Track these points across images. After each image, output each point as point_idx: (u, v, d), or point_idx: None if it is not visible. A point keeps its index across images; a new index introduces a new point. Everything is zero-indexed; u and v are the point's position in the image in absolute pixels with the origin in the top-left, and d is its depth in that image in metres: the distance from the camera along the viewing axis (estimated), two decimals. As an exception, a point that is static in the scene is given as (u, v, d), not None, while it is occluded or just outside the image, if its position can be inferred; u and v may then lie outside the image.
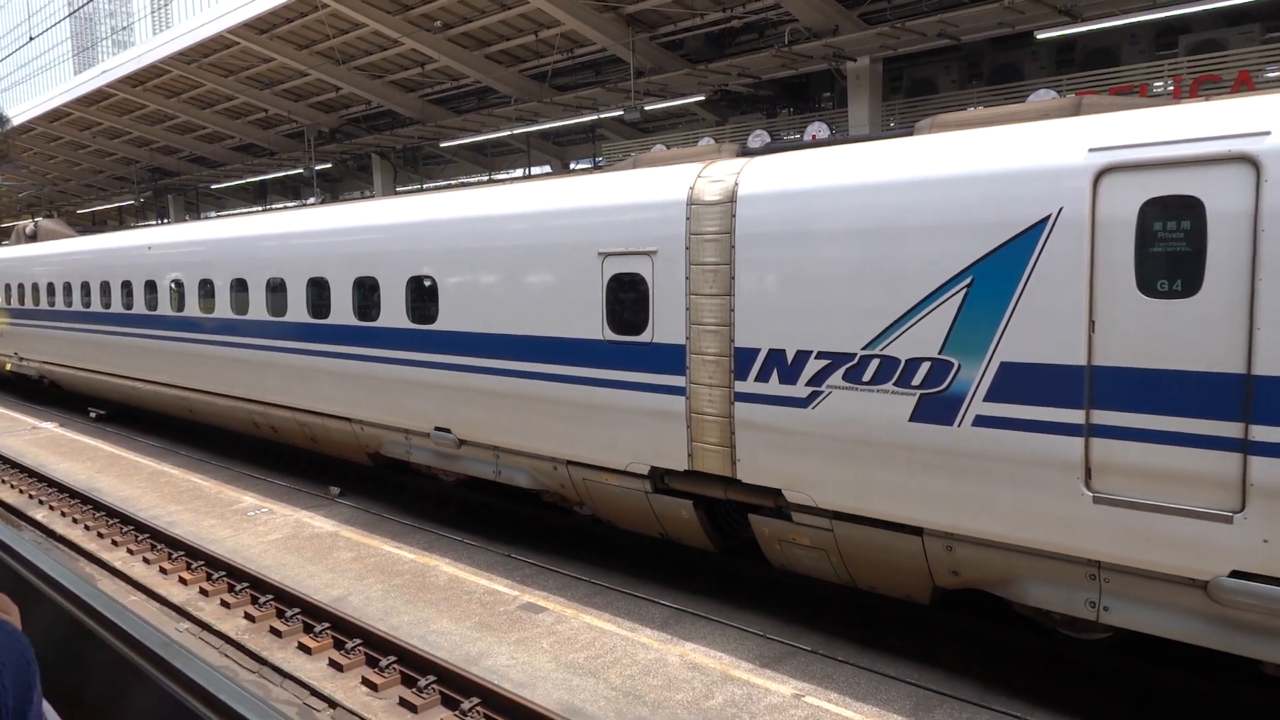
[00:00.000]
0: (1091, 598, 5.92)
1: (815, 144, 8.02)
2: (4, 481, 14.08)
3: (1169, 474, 5.42)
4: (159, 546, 10.51)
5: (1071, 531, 5.82)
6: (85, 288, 17.90)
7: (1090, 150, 5.70)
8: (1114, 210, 5.58)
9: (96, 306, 17.50)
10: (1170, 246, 5.41)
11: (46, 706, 0.74)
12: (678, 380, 7.85)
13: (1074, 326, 5.71)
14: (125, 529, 11.19)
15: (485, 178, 30.22)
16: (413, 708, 6.73)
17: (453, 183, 30.60)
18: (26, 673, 0.68)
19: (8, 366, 22.50)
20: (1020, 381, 5.94)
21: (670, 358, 7.90)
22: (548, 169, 28.58)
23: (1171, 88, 14.60)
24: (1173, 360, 5.38)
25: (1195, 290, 5.31)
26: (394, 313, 10.63)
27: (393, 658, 7.32)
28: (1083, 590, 5.95)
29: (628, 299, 8.24)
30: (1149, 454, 5.48)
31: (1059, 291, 5.77)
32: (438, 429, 10.30)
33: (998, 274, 6.03)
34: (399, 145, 28.65)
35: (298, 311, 12.14)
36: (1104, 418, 5.64)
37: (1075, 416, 5.73)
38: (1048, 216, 5.82)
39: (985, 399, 6.09)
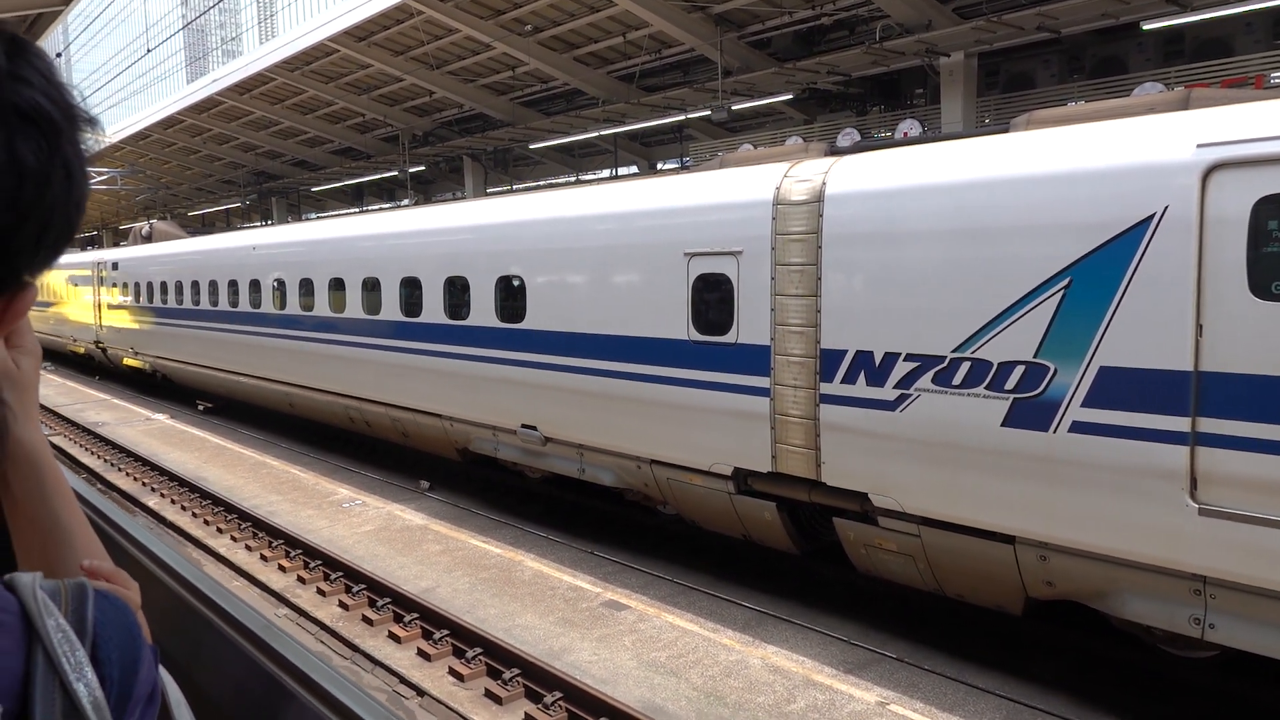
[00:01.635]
0: (1196, 614, 5.65)
1: (905, 142, 7.87)
2: (120, 470, 14.91)
3: (1282, 486, 5.13)
4: (260, 535, 10.97)
5: (1175, 544, 5.57)
6: (195, 286, 18.80)
7: (1199, 146, 5.45)
8: (1224, 208, 5.32)
9: (204, 304, 18.36)
10: (1286, 246, 5.12)
11: (166, 675, 0.79)
12: (762, 381, 7.81)
13: (1180, 330, 5.47)
14: (229, 517, 11.72)
15: (573, 179, 30.56)
16: (498, 699, 6.87)
17: (541, 184, 31.06)
18: (132, 646, 0.73)
19: (124, 360, 23.79)
20: (1121, 387, 5.71)
21: (755, 358, 7.86)
22: (635, 169, 28.74)
23: (1291, 78, 13.80)
24: (1288, 366, 5.10)
25: (1314, 293, 5.02)
26: (483, 312, 10.86)
27: (479, 649, 7.47)
28: (1186, 606, 5.69)
29: (712, 299, 8.23)
30: (1260, 465, 5.20)
31: (1163, 294, 5.53)
32: (524, 426, 10.47)
33: (1098, 275, 5.81)
34: (490, 147, 29.21)
35: (391, 310, 12.51)
36: (1211, 426, 5.38)
37: (1180, 424, 5.48)
38: (1152, 215, 5.58)
39: (1083, 404, 5.88)
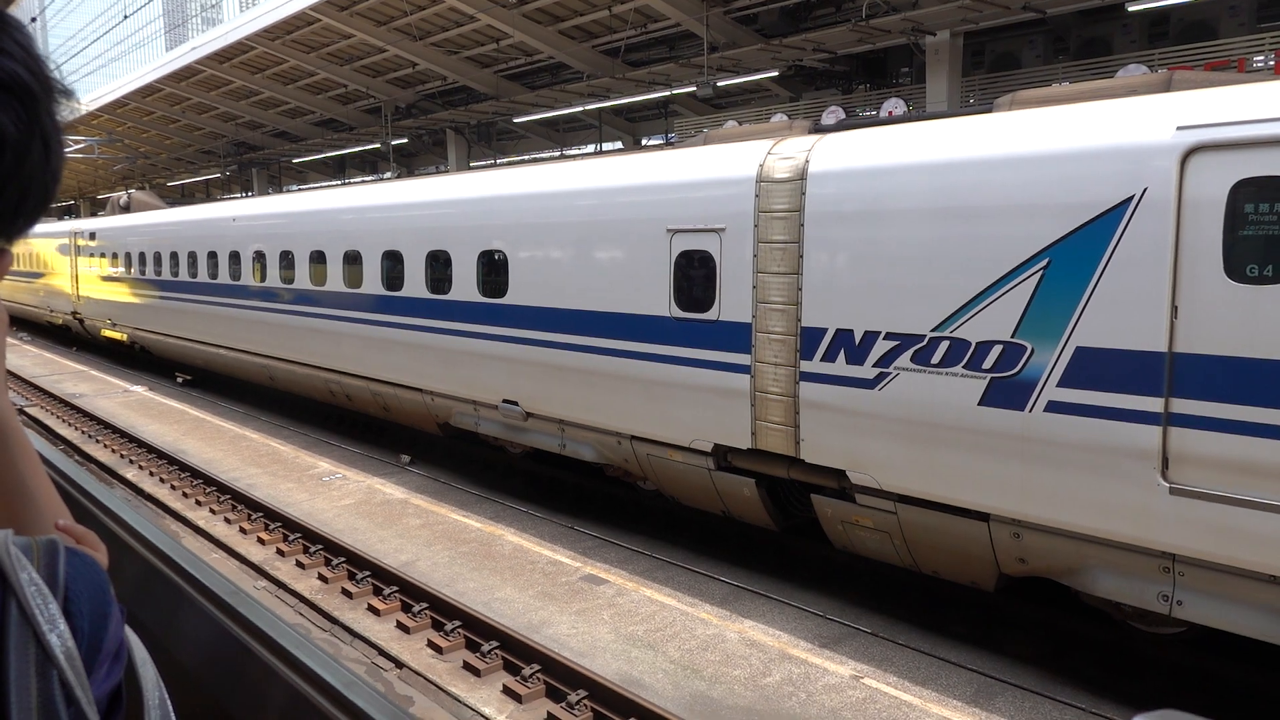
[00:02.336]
0: (1165, 591, 5.76)
1: (889, 121, 7.87)
2: (98, 441, 14.80)
3: (1252, 467, 5.22)
4: (239, 507, 10.95)
5: (1145, 523, 5.66)
6: (174, 258, 18.60)
7: (1178, 128, 5.48)
8: (1202, 191, 5.36)
9: (184, 276, 18.18)
10: (1261, 229, 5.18)
11: (131, 635, 0.80)
12: (743, 358, 7.84)
13: (1155, 312, 5.53)
14: (208, 490, 11.68)
15: (557, 153, 30.38)
16: (476, 671, 6.92)
17: (525, 158, 30.84)
18: (102, 601, 0.74)
19: (102, 332, 23.56)
20: (1096, 367, 5.77)
21: (736, 336, 7.88)
22: (620, 145, 28.58)
23: (1272, 62, 13.87)
24: (1260, 348, 5.17)
25: (1287, 276, 5.08)
26: (465, 286, 10.82)
27: (458, 622, 7.51)
28: (1155, 583, 5.79)
29: (695, 276, 8.23)
30: (1231, 445, 5.28)
31: (1140, 275, 5.58)
32: (505, 401, 10.47)
33: (1076, 256, 5.86)
34: (473, 120, 28.96)
35: (373, 284, 12.44)
36: (1184, 406, 5.46)
37: (1154, 405, 5.55)
38: (1131, 197, 5.62)
39: (1059, 384, 5.94)
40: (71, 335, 27.67)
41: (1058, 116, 6.20)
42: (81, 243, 23.81)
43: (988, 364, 6.26)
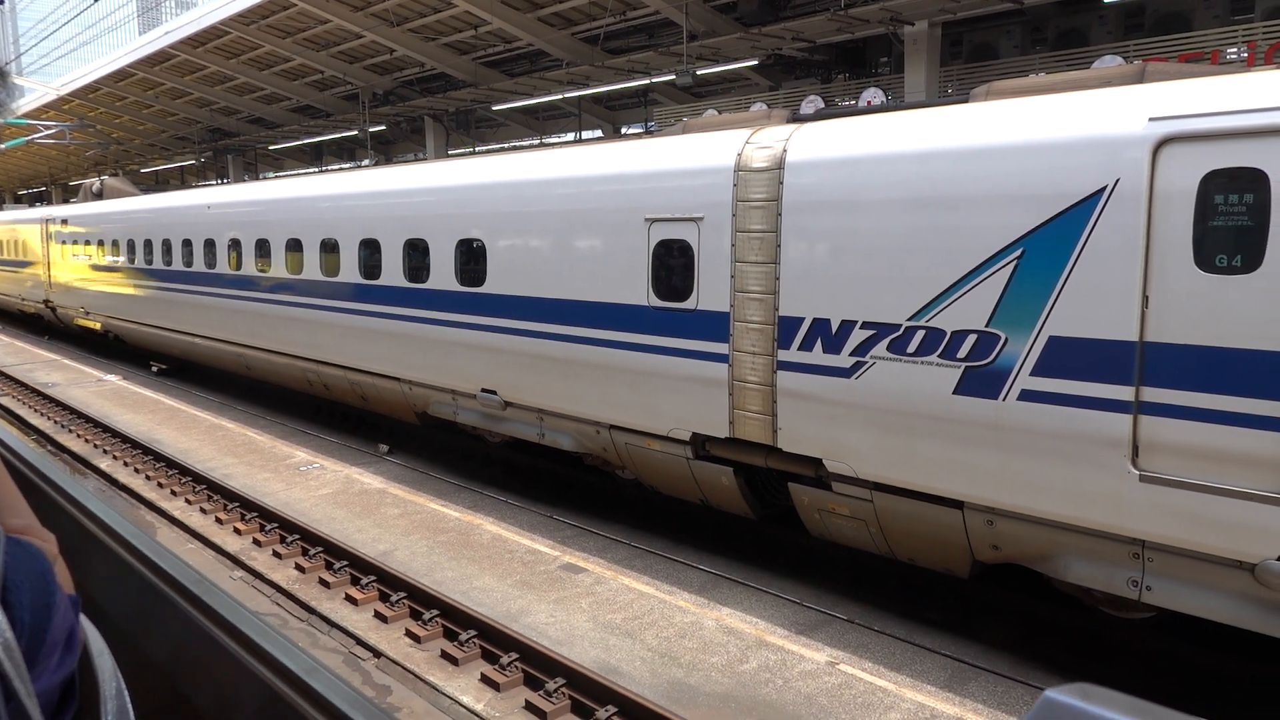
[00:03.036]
0: (1134, 577, 5.85)
1: (867, 111, 7.89)
2: (71, 431, 14.64)
3: (1220, 454, 5.30)
4: (215, 498, 10.87)
5: (1116, 509, 5.74)
6: (148, 245, 18.38)
7: (1150, 120, 5.54)
8: (1173, 182, 5.43)
9: (158, 264, 17.97)
10: (1231, 220, 5.25)
11: (88, 625, 0.79)
12: (721, 348, 7.86)
13: (1127, 301, 5.59)
14: (184, 480, 11.59)
15: (536, 141, 30.24)
16: (454, 660, 6.92)
17: (504, 146, 30.68)
18: (44, 591, 0.73)
19: (76, 320, 23.27)
20: (1069, 356, 5.84)
21: (714, 325, 7.90)
22: (599, 133, 28.49)
23: (1245, 54, 14.02)
24: (1228, 338, 5.24)
25: (1256, 266, 5.15)
26: (443, 275, 10.77)
27: (436, 612, 7.51)
28: (1125, 569, 5.88)
29: (673, 265, 8.24)
30: (1200, 433, 5.36)
31: (1112, 265, 5.64)
32: (484, 390, 10.45)
33: (1050, 246, 5.91)
34: (451, 108, 28.77)
35: (350, 272, 12.36)
36: (1154, 395, 5.53)
37: (1124, 393, 5.62)
38: (1104, 188, 5.68)
39: (1032, 373, 6.00)
40: (44, 324, 27.31)
41: (1033, 107, 6.24)
42: (54, 229, 23.48)
43: (962, 353, 6.31)
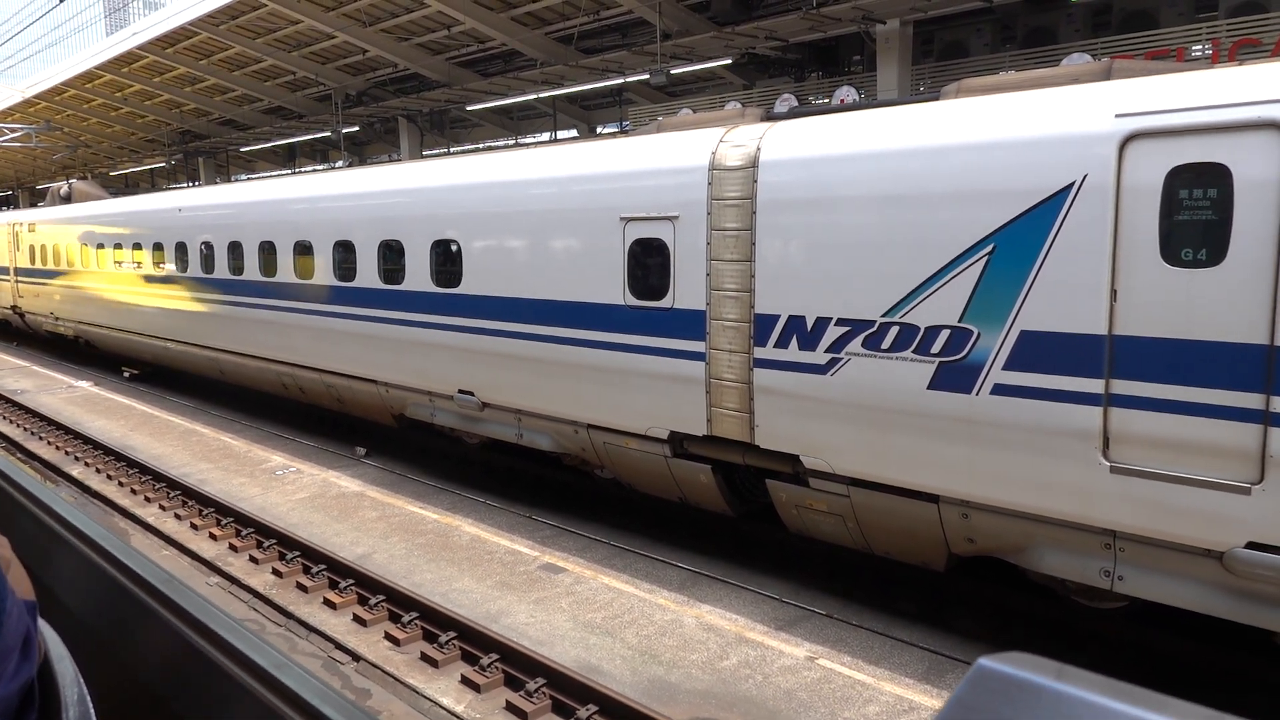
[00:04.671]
0: (1106, 567, 5.93)
1: (839, 109, 7.95)
2: (42, 439, 14.44)
3: (1188, 445, 5.39)
4: (190, 503, 10.77)
5: (1088, 501, 5.82)
6: (117, 249, 18.15)
7: (1117, 116, 5.62)
8: (1139, 177, 5.51)
9: (128, 268, 17.75)
10: (1195, 215, 5.34)
11: (47, 630, 0.78)
12: (697, 346, 7.88)
13: (1095, 296, 5.67)
14: (158, 486, 11.47)
15: (511, 141, 30.15)
16: (434, 662, 6.90)
17: (478, 146, 30.56)
18: None
19: (45, 328, 22.94)
20: (1040, 350, 5.91)
21: (690, 323, 7.93)
22: (574, 133, 28.45)
23: (1210, 51, 14.24)
24: (1195, 330, 5.33)
25: (1220, 259, 5.24)
26: (418, 276, 10.72)
27: (415, 614, 7.48)
28: (1098, 559, 5.96)
29: (649, 264, 8.25)
30: (1168, 424, 5.45)
31: (1081, 260, 5.72)
32: (461, 392, 10.42)
33: (1020, 242, 5.98)
34: (425, 108, 28.61)
35: (325, 274, 12.27)
36: (1123, 388, 5.61)
37: (1094, 386, 5.70)
38: (1072, 183, 5.75)
39: (1004, 368, 6.07)
40: (12, 330, 26.90)
41: (1002, 104, 6.31)
42: (21, 234, 23.12)
43: (936, 348, 6.37)
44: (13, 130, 35.62)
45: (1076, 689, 0.42)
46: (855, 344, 6.81)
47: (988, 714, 0.43)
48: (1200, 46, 14.51)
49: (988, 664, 0.45)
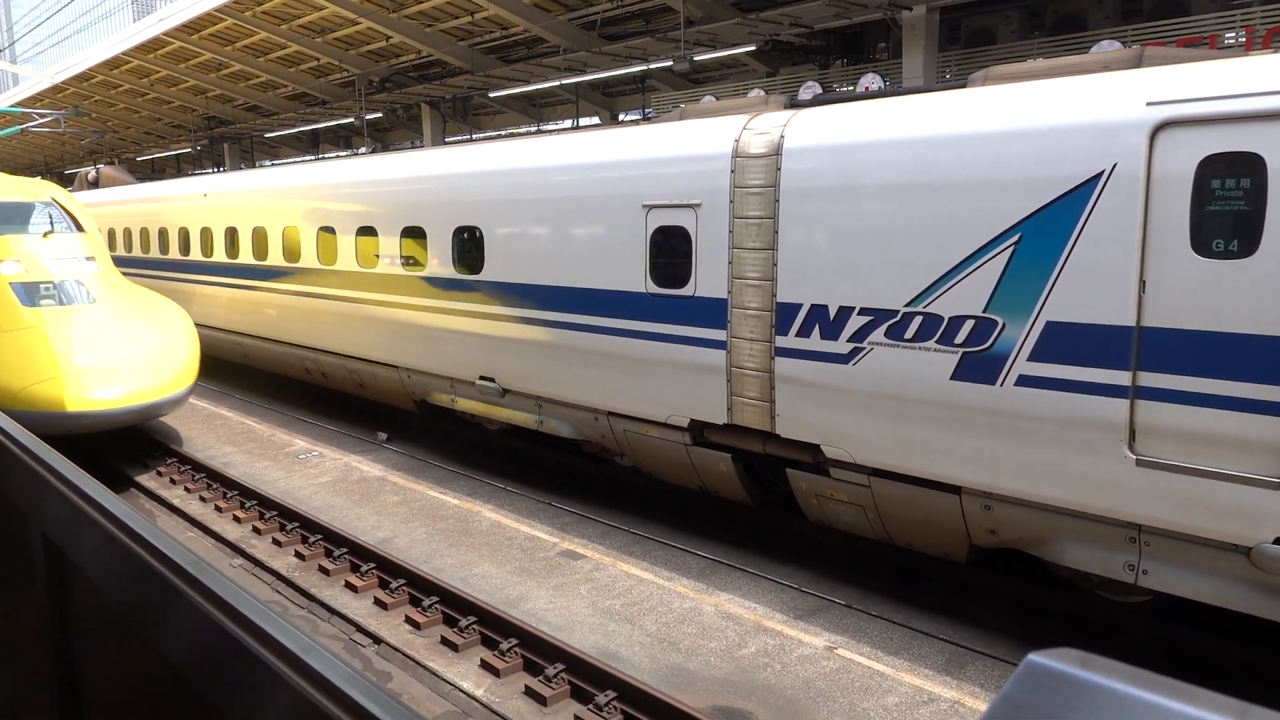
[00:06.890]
0: (1131, 561, 5.87)
1: (864, 96, 7.87)
2: (69, 420, 14.63)
3: (1216, 438, 5.32)
4: (214, 486, 10.89)
5: (1113, 494, 5.76)
6: (144, 233, 18.33)
7: (1148, 104, 5.53)
8: (1170, 167, 5.42)
9: (154, 252, 17.92)
10: (1227, 205, 5.25)
11: None
12: (719, 334, 7.86)
13: (1124, 286, 5.60)
14: (183, 468, 11.60)
15: (534, 128, 30.14)
16: (454, 646, 6.95)
17: (501, 133, 30.57)
18: None
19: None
20: (1066, 342, 5.85)
21: (712, 311, 7.90)
22: (596, 120, 28.40)
23: (1244, 39, 13.99)
24: (1225, 322, 5.25)
25: (1252, 251, 5.16)
26: (440, 262, 10.76)
27: (435, 598, 7.54)
28: (1122, 553, 5.91)
29: (671, 252, 8.23)
30: (1196, 418, 5.38)
31: (1110, 250, 5.64)
32: (482, 378, 10.46)
33: (1047, 231, 5.91)
34: (448, 95, 28.64)
35: (348, 260, 12.34)
36: (1151, 380, 5.54)
37: (1121, 378, 5.64)
38: (1101, 172, 5.67)
39: (1029, 359, 6.01)
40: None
41: (1030, 92, 6.23)
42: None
43: (960, 339, 6.32)
44: (42, 115, 35.99)
45: (1139, 689, 0.39)
46: (878, 334, 6.76)
47: (1041, 714, 0.41)
48: (1233, 34, 14.25)
49: (1039, 660, 0.43)
